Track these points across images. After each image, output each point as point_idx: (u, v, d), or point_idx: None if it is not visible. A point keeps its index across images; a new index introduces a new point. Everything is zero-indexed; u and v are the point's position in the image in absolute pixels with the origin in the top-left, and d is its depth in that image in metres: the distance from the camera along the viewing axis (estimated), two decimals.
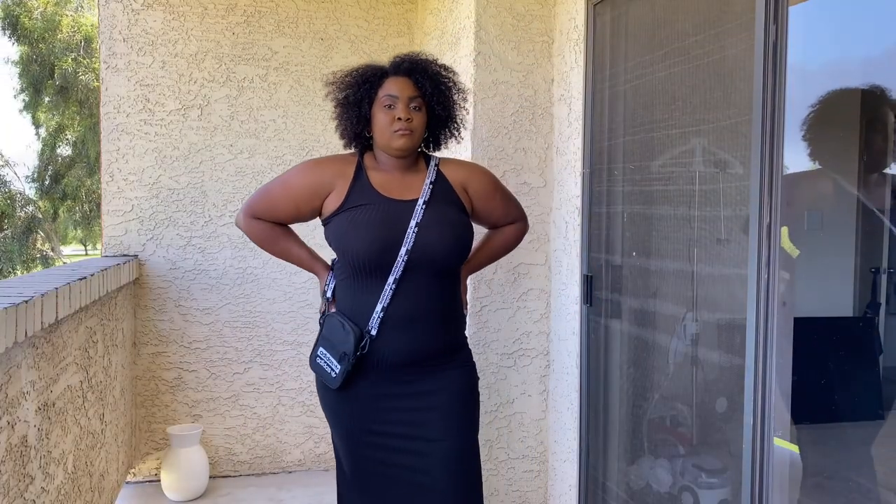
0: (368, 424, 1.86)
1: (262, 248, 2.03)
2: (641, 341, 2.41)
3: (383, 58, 3.58)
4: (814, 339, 2.12)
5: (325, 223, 1.90)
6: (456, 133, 2.01)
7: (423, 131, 1.91)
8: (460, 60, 2.86)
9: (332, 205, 1.86)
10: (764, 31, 1.69)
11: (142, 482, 3.41)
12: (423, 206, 1.84)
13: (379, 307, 1.80)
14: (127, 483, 3.36)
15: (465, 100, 2.02)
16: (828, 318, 2.32)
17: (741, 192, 1.84)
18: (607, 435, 2.57)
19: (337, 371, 1.81)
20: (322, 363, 1.86)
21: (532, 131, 2.82)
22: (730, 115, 1.95)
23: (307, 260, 2.03)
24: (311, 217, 1.94)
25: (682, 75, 2.15)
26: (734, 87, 1.92)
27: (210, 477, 3.35)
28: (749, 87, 1.74)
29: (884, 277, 2.19)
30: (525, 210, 2.17)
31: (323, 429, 3.60)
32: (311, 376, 3.56)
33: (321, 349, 1.86)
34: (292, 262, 2.04)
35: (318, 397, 1.96)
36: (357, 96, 1.88)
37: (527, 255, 2.79)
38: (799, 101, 1.94)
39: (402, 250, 1.78)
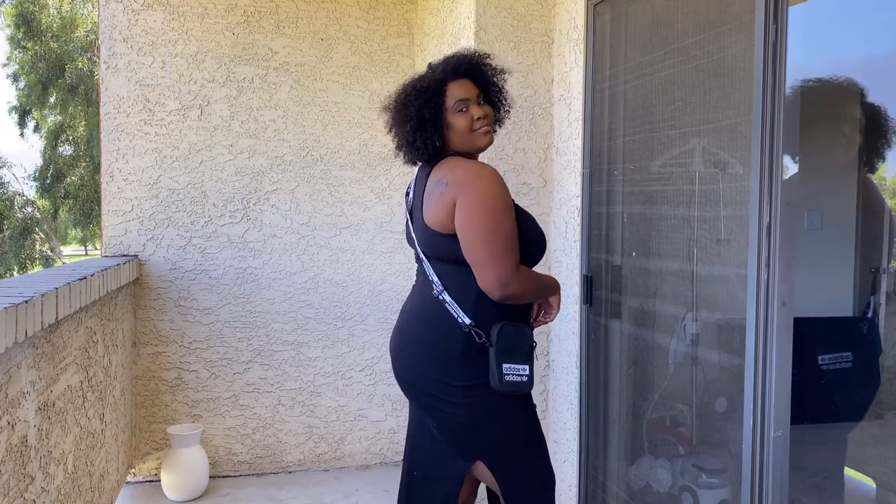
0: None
1: (535, 294, 1.88)
2: (641, 341, 2.41)
3: (383, 57, 3.63)
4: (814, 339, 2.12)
5: None
6: (506, 117, 2.04)
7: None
8: None
9: None
10: (764, 31, 1.69)
11: (142, 482, 3.41)
12: None
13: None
14: (127, 483, 3.36)
15: (505, 81, 2.00)
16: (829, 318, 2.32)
17: (741, 192, 1.84)
18: (607, 435, 2.57)
19: (527, 372, 1.80)
20: (511, 378, 1.78)
21: (532, 131, 2.82)
22: (730, 115, 1.95)
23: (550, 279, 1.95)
24: None
25: (681, 75, 2.15)
26: (734, 87, 1.92)
27: (210, 477, 3.36)
28: (749, 87, 1.75)
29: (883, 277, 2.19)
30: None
31: (323, 429, 3.60)
32: (311, 376, 3.56)
33: (505, 365, 1.78)
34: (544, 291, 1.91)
35: (489, 425, 1.84)
36: (431, 110, 1.83)
37: None
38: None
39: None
